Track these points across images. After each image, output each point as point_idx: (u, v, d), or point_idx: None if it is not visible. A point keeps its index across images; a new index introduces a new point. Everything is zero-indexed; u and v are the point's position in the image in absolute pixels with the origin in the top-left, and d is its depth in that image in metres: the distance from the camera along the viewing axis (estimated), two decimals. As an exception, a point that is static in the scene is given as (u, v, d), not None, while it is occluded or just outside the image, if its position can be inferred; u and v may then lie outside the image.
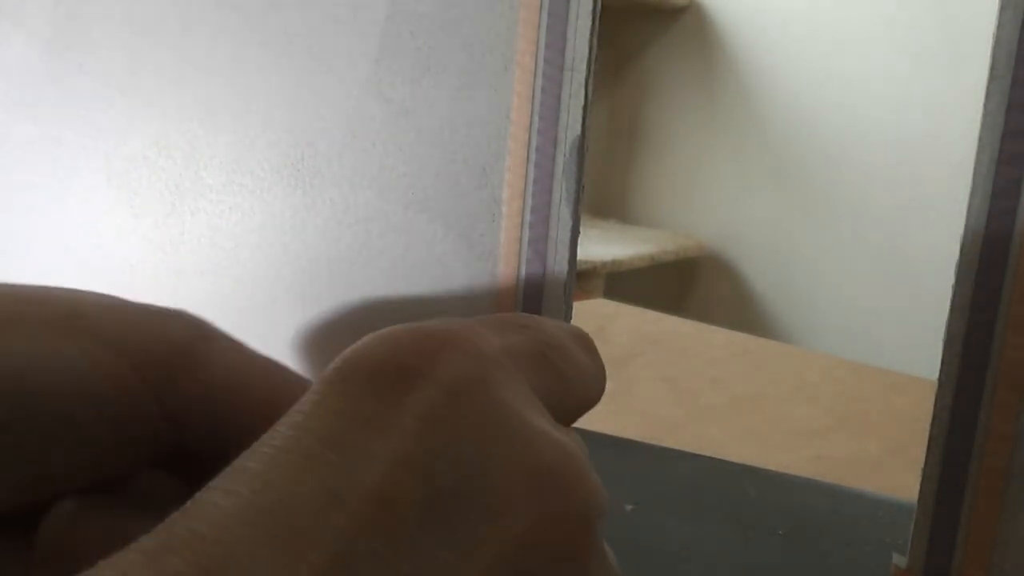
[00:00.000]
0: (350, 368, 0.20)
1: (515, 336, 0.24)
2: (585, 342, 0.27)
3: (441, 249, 0.37)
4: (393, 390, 0.20)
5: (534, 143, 0.35)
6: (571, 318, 0.36)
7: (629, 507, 0.43)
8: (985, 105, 0.28)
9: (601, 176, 2.10)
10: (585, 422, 0.49)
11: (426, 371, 0.20)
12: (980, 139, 0.28)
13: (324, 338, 0.40)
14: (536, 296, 0.36)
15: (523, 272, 0.36)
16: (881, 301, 1.76)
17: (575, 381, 0.25)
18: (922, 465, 0.30)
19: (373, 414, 0.19)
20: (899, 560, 0.31)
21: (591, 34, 0.33)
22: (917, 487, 0.30)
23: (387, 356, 0.20)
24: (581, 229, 0.35)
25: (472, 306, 0.37)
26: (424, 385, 0.20)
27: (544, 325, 0.26)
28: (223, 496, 0.17)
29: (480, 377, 0.21)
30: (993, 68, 0.28)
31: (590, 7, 0.33)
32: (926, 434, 0.30)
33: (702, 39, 1.93)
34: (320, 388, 0.20)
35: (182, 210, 0.42)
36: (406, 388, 0.20)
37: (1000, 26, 0.27)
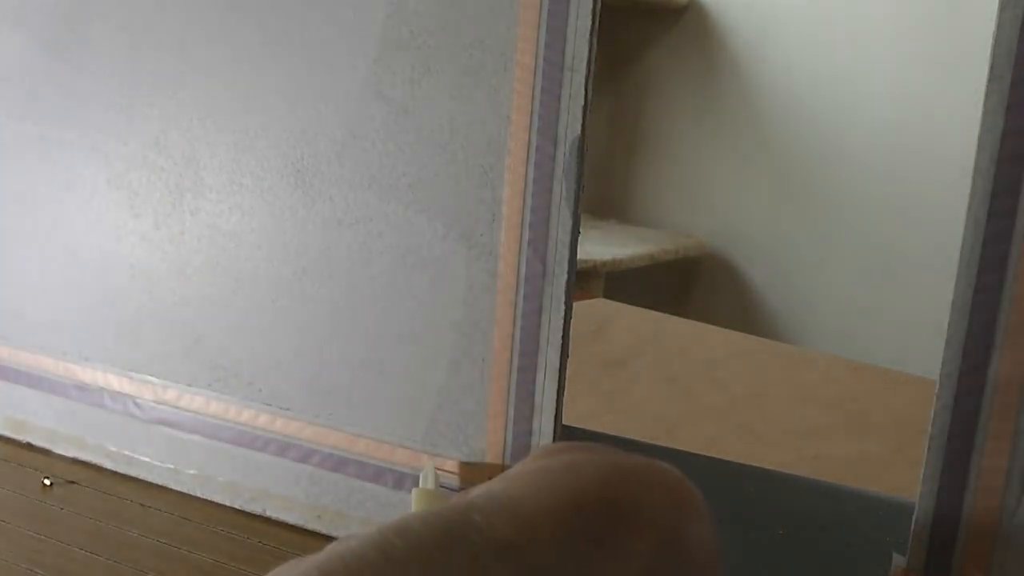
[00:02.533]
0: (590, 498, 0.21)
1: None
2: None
3: (441, 248, 0.37)
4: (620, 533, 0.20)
5: (534, 143, 0.35)
6: (571, 318, 0.36)
7: (629, 507, 0.43)
8: (985, 105, 0.28)
9: (601, 176, 2.10)
10: (585, 422, 0.49)
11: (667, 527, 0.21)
12: (980, 139, 0.28)
13: (326, 340, 0.40)
14: (536, 295, 0.36)
15: (523, 272, 0.36)
16: (881, 301, 1.76)
17: None
18: (922, 465, 0.30)
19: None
20: (899, 560, 0.31)
21: (591, 34, 0.33)
22: (917, 487, 0.30)
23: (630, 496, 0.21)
24: (581, 229, 0.35)
25: (472, 306, 0.37)
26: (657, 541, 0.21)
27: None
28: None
29: (714, 550, 0.22)
30: (993, 68, 0.28)
31: (590, 7, 0.33)
32: (926, 434, 0.30)
33: (702, 39, 1.93)
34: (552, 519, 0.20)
35: (182, 210, 0.42)
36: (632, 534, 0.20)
37: (1000, 26, 0.27)
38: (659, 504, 0.21)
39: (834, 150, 1.82)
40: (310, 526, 0.41)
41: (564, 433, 0.37)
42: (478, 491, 0.21)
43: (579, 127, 0.34)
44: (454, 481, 0.38)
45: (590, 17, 0.33)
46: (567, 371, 0.36)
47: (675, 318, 0.85)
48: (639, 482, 0.21)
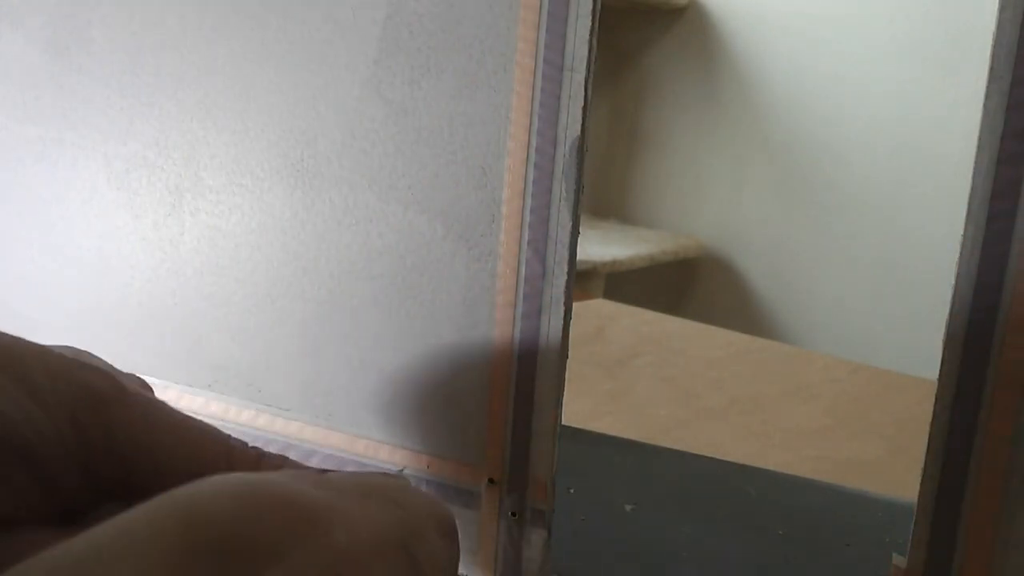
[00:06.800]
0: (192, 536, 0.18)
1: (382, 515, 0.23)
2: (445, 527, 0.26)
3: (441, 249, 0.37)
4: (244, 570, 0.18)
5: (534, 143, 0.35)
6: (571, 318, 0.36)
7: (629, 507, 0.43)
8: (985, 105, 0.28)
9: (601, 176, 2.10)
10: (586, 422, 0.49)
11: (283, 553, 0.19)
12: (980, 139, 0.28)
13: (327, 340, 0.40)
14: (536, 296, 0.36)
15: (523, 272, 0.36)
16: (881, 301, 1.76)
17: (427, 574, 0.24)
18: (922, 465, 0.30)
19: None
20: (899, 560, 0.31)
21: (591, 34, 0.33)
22: (917, 487, 0.30)
23: (238, 529, 0.18)
24: (581, 229, 0.35)
25: (472, 306, 0.37)
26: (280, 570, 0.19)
27: (412, 505, 0.25)
28: None
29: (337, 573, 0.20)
30: (993, 68, 0.28)
31: (590, 7, 0.33)
32: (926, 434, 0.30)
33: (702, 39, 1.93)
34: (155, 553, 0.17)
35: (182, 210, 0.42)
36: (258, 569, 0.18)
37: (1000, 26, 0.27)
38: (308, 547, 0.19)
39: (834, 150, 1.82)
40: (310, 526, 0.41)
41: (564, 433, 0.37)
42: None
43: (579, 127, 0.34)
44: (454, 481, 0.38)
45: (590, 17, 0.33)
46: (567, 371, 0.36)
47: (675, 318, 0.85)
48: (289, 515, 0.19)
